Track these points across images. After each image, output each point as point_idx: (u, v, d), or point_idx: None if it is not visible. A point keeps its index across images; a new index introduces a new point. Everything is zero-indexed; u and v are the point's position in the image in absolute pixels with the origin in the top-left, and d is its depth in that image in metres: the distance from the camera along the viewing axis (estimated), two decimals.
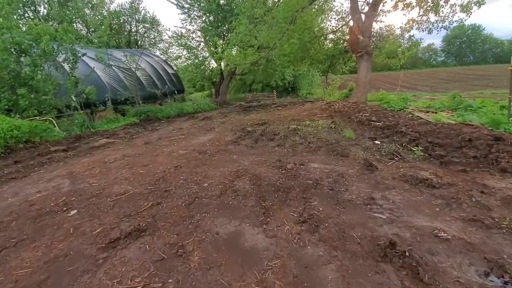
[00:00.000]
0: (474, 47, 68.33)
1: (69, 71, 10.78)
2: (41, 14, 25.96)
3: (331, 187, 3.54)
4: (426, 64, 69.58)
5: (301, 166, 4.31)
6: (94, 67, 12.55)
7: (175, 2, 19.49)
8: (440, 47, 71.85)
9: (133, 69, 13.31)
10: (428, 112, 8.23)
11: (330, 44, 12.45)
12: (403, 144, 5.45)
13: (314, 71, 29.29)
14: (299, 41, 11.91)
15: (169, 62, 22.01)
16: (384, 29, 12.38)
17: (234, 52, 14.79)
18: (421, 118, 7.42)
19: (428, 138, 5.48)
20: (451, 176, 3.77)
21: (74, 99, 9.48)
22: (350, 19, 11.40)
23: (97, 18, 29.03)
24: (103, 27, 15.01)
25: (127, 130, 9.31)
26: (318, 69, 16.17)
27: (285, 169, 4.21)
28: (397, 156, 4.78)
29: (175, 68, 22.70)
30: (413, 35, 11.20)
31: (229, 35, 19.32)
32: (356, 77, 11.53)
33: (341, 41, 11.95)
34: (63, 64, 10.98)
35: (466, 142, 5.04)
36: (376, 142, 5.97)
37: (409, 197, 3.23)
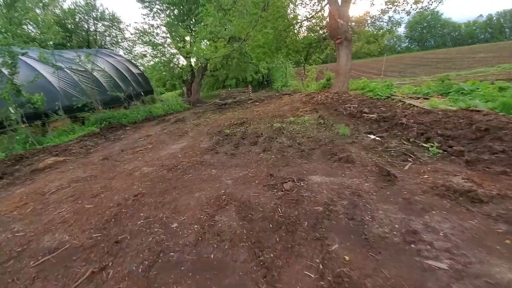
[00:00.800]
0: (434, 32, 71.02)
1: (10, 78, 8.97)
2: None
3: (350, 214, 2.55)
4: (392, 50, 71.34)
5: (301, 183, 3.28)
6: (40, 71, 10.71)
7: None
8: (403, 33, 73.95)
9: (89, 70, 11.53)
10: (419, 98, 7.54)
11: (305, 33, 11.45)
12: (410, 139, 4.60)
13: (287, 63, 28.58)
14: (273, 30, 10.83)
15: (134, 62, 20.06)
16: (361, 12, 11.37)
17: (203, 46, 13.42)
18: (415, 106, 6.68)
19: (437, 130, 4.67)
20: (493, 182, 2.93)
21: (12, 110, 7.79)
22: (326, 3, 10.51)
23: (48, 17, 26.15)
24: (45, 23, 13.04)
25: (83, 143, 7.81)
26: (294, 60, 15.07)
27: (282, 190, 3.16)
28: (411, 156, 3.90)
29: (142, 68, 20.76)
30: (392, 17, 10.55)
31: (196, 28, 17.83)
32: (336, 66, 10.71)
33: (318, 28, 10.99)
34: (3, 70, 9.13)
35: (483, 133, 4.28)
36: (376, 138, 5.11)
37: (459, 223, 2.31)
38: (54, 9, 27.06)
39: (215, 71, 21.29)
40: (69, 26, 26.39)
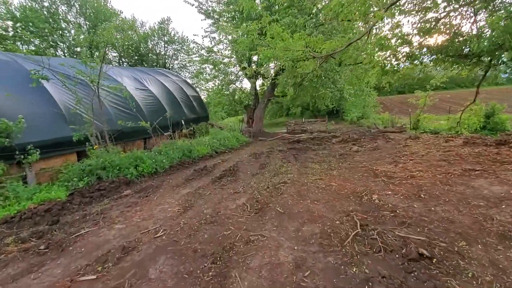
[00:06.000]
0: None
1: None
2: (69, 38, 22.37)
3: None
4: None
5: None
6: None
7: (195, 4, 13.62)
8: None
9: (93, 88, 6.64)
10: None
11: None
12: None
13: (369, 89, 21.78)
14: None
15: (191, 83, 15.99)
16: None
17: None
18: None
19: None
20: None
21: None
22: None
23: (126, 43, 24.86)
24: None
25: None
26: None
27: None
28: None
29: (205, 91, 16.35)
30: None
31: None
32: None
33: None
34: None
35: None
36: None
37: None
38: (132, 34, 25.91)
39: (283, 96, 15.95)
40: (142, 50, 24.69)
